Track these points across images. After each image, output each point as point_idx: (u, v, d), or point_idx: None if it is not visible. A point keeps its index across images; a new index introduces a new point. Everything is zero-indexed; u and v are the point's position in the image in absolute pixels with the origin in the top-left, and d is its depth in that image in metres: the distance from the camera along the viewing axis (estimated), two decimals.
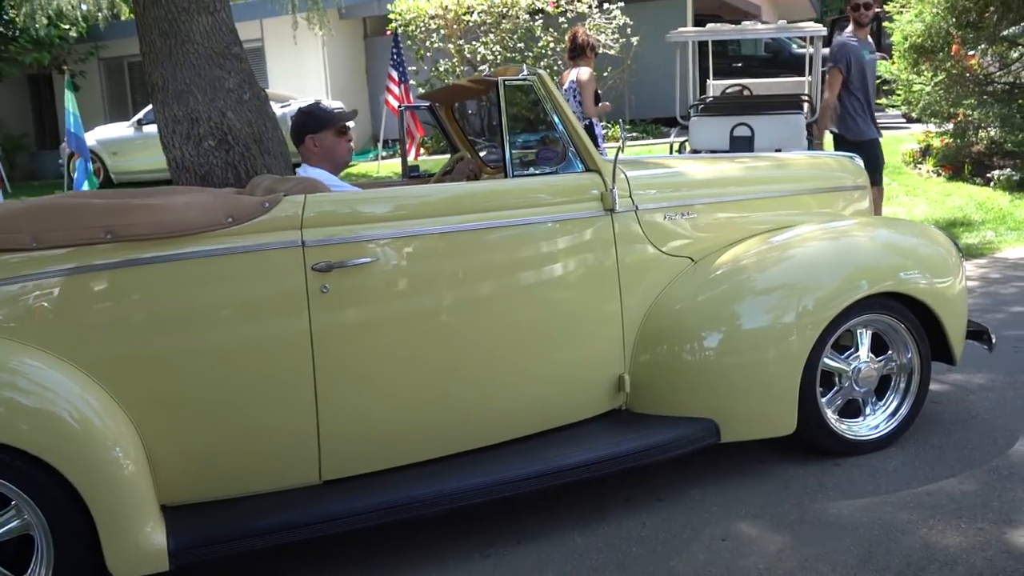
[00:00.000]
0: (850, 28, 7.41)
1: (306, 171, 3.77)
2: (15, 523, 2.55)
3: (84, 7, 10.73)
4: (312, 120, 3.84)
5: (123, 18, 16.31)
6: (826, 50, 14.94)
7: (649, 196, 3.62)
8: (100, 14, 11.44)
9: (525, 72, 3.44)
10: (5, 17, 13.11)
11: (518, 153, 3.58)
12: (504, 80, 3.39)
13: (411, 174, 5.02)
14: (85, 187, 12.17)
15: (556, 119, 3.44)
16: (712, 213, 3.84)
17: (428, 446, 3.19)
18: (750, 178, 4.13)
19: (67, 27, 13.33)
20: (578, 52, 7.25)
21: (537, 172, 3.55)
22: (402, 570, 2.99)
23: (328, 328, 2.98)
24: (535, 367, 3.39)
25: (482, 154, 4.81)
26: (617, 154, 3.47)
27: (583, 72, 7.09)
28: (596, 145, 7.05)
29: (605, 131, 10.26)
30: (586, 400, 3.48)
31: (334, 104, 14.90)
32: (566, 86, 7.10)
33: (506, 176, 3.44)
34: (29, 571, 2.59)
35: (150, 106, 14.86)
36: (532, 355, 3.38)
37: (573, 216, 3.41)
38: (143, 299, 2.83)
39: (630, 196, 3.52)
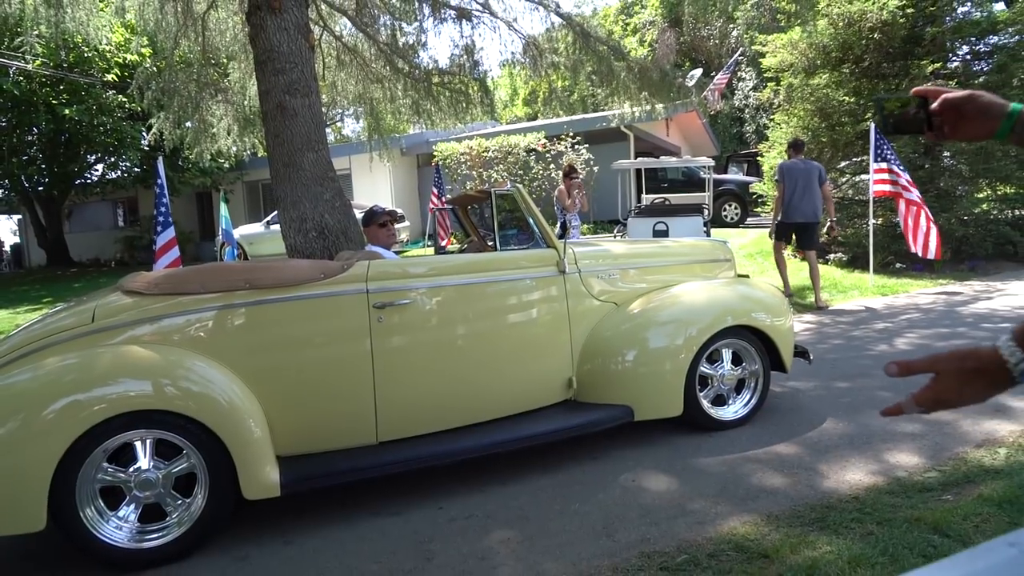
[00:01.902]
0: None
1: (370, 247, 3.98)
2: (185, 464, 2.67)
3: (235, 148, 11.08)
4: (365, 218, 4.09)
5: (259, 155, 16.78)
6: (722, 175, 15.21)
7: (587, 264, 3.65)
8: (245, 152, 11.78)
9: (509, 186, 3.57)
10: (183, 155, 13.65)
11: (505, 236, 3.69)
12: (495, 191, 3.56)
13: (439, 252, 5.20)
14: None
15: (528, 215, 3.54)
16: (629, 274, 3.83)
17: (445, 421, 3.21)
18: (654, 253, 4.14)
19: (222, 161, 13.71)
20: (565, 175, 7.55)
21: (517, 248, 3.63)
22: (411, 507, 3.04)
23: (382, 345, 3.03)
24: (515, 371, 3.40)
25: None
26: (564, 238, 3.65)
27: (560, 187, 7.33)
28: (565, 232, 7.25)
29: (583, 226, 10.51)
30: (548, 393, 3.49)
31: (390, 208, 15.21)
32: (555, 197, 7.35)
33: (497, 250, 3.57)
34: (193, 494, 2.68)
35: (275, 213, 15.19)
36: (513, 363, 3.39)
37: (539, 275, 3.46)
38: (266, 324, 2.91)
39: (575, 264, 3.58)
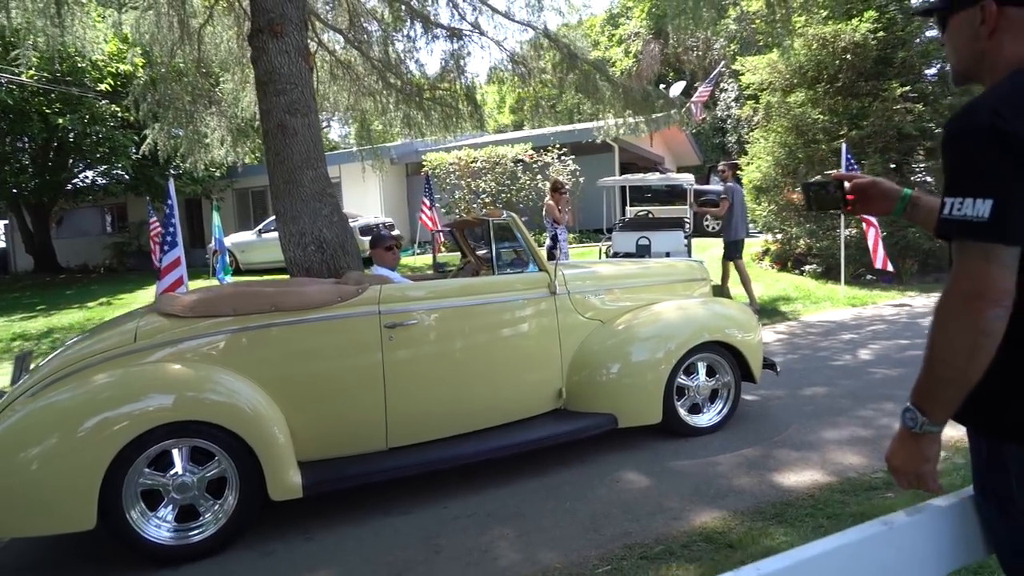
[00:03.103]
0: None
1: (377, 269, 4.26)
2: (216, 469, 2.98)
3: (229, 158, 11.34)
4: (372, 241, 4.37)
5: (248, 162, 16.99)
6: (704, 186, 15.69)
7: (576, 285, 3.97)
8: (236, 161, 12.07)
9: (504, 215, 3.92)
10: (173, 163, 13.92)
11: (500, 255, 4.01)
12: (492, 220, 3.90)
13: (439, 269, 5.50)
14: (223, 274, 12.61)
15: (522, 241, 3.87)
16: (614, 294, 4.15)
17: (447, 428, 3.53)
18: (637, 273, 4.43)
19: (214, 170, 13.96)
20: (553, 189, 7.97)
21: (512, 271, 3.96)
22: (419, 506, 3.35)
23: (392, 360, 3.35)
24: (510, 383, 3.71)
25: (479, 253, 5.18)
26: (556, 262, 3.97)
27: (548, 202, 7.76)
28: (556, 244, 7.64)
29: (569, 235, 10.90)
30: (540, 403, 3.80)
31: (386, 220, 15.45)
32: (544, 211, 7.80)
33: (494, 273, 3.91)
34: (223, 496, 3.00)
35: (266, 220, 15.29)
36: (508, 376, 3.70)
37: (532, 297, 3.78)
38: (290, 342, 3.22)
39: (565, 285, 3.90)
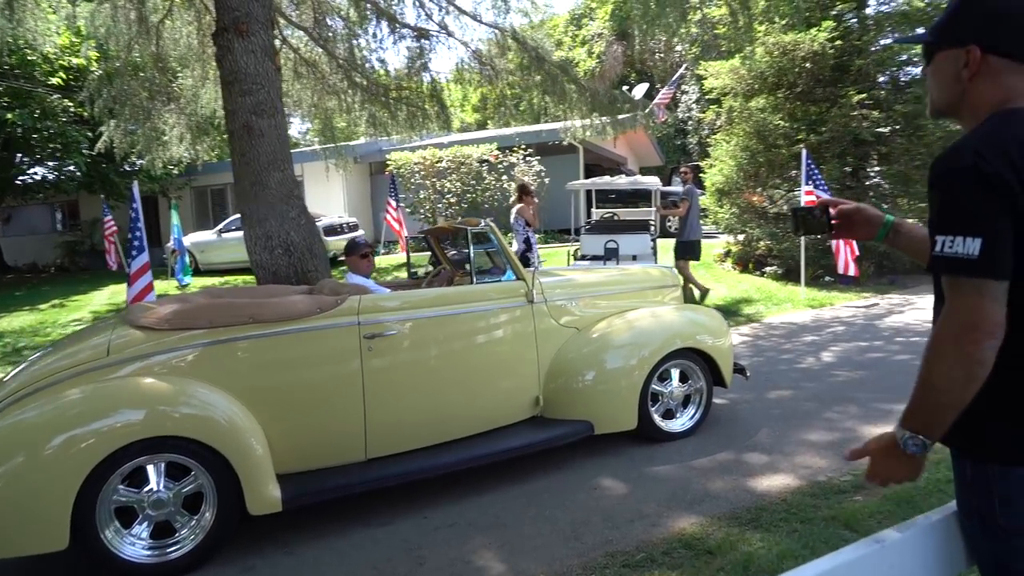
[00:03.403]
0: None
1: (351, 277, 4.21)
2: (193, 484, 2.92)
3: (188, 155, 11.05)
4: (347, 248, 4.31)
5: (206, 159, 16.58)
6: (667, 187, 15.92)
7: (552, 293, 4.00)
8: (196, 159, 11.78)
9: (482, 223, 3.93)
10: (131, 159, 13.49)
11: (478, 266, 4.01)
12: (470, 228, 3.91)
13: (412, 276, 5.45)
14: (182, 275, 12.32)
15: (500, 250, 3.91)
16: (590, 301, 4.20)
17: (427, 438, 3.53)
18: (611, 281, 4.50)
19: (172, 167, 13.61)
20: (519, 194, 7.94)
21: (489, 280, 3.95)
22: (399, 517, 3.33)
23: (372, 369, 3.34)
24: (487, 391, 3.72)
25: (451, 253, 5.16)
26: (534, 271, 3.99)
27: (519, 206, 7.75)
28: (530, 248, 7.64)
29: (537, 237, 10.90)
30: (516, 410, 3.82)
31: (350, 220, 15.24)
32: (515, 214, 7.78)
33: (472, 282, 3.88)
34: (200, 511, 2.94)
35: (227, 219, 14.95)
36: (485, 384, 3.71)
37: (509, 305, 3.80)
38: (268, 354, 3.17)
39: (542, 293, 3.93)
